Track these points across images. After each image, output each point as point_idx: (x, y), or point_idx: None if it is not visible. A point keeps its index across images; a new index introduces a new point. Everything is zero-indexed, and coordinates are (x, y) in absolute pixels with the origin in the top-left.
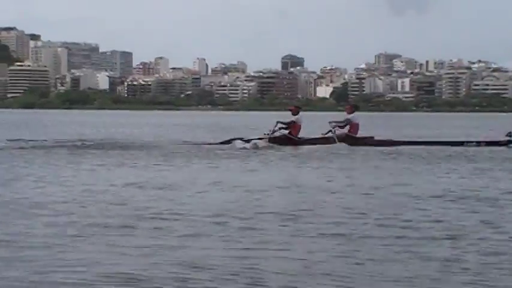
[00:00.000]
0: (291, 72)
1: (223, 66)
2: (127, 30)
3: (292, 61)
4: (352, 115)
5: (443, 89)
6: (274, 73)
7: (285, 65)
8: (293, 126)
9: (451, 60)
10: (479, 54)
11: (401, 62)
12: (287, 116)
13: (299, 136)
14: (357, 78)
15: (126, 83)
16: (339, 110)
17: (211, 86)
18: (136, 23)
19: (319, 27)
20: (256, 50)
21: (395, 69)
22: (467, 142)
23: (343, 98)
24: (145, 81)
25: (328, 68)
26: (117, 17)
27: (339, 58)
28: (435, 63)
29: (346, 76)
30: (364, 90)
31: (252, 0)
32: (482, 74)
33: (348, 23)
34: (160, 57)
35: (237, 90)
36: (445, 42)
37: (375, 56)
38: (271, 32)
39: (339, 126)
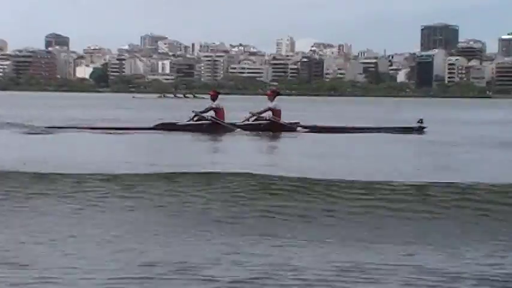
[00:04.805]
0: (49, 52)
1: None
2: None
3: (56, 40)
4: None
5: (202, 72)
6: (31, 52)
7: (48, 44)
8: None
9: (213, 43)
10: (243, 38)
11: (165, 44)
12: None
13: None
14: (118, 59)
15: None
16: (98, 91)
17: None
18: None
19: (93, 7)
20: (22, 28)
21: (159, 51)
22: (384, 128)
23: (103, 79)
24: None
25: (92, 48)
26: None
27: (106, 38)
28: (201, 46)
29: (107, 57)
30: (124, 72)
31: None
32: (240, 57)
33: (121, 3)
34: None
35: None
36: (216, 26)
37: (141, 37)
38: (40, 10)
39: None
